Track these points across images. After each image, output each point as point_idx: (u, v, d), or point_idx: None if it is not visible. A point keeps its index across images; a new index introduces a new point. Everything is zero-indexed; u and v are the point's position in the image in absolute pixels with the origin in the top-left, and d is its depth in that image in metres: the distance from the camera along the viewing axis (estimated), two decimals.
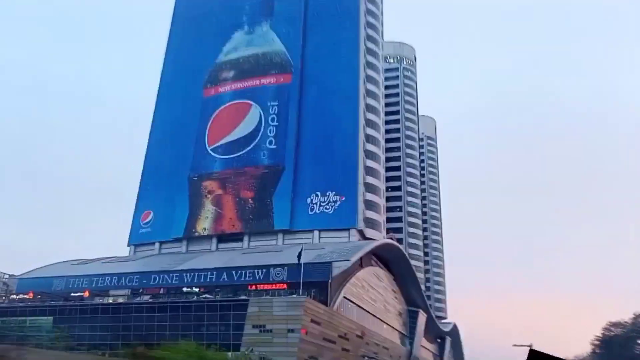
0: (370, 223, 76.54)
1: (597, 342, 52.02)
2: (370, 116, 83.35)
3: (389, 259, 76.66)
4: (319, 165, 76.20)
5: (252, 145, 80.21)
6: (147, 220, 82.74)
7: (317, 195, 74.23)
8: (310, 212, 73.75)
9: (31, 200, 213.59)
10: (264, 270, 54.05)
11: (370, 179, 79.20)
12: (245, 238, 75.41)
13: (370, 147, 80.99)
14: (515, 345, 34.14)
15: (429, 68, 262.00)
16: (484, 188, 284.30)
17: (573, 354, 58.52)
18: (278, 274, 53.06)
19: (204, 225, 77.92)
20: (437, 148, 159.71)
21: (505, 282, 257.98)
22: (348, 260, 53.16)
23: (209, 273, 56.35)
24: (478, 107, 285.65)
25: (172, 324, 47.40)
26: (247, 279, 54.41)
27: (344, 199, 73.09)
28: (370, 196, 78.00)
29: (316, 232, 72.22)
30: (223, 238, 76.81)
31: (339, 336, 51.89)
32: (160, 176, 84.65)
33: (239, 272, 55.28)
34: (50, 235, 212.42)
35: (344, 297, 54.96)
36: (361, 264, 64.20)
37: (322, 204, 73.71)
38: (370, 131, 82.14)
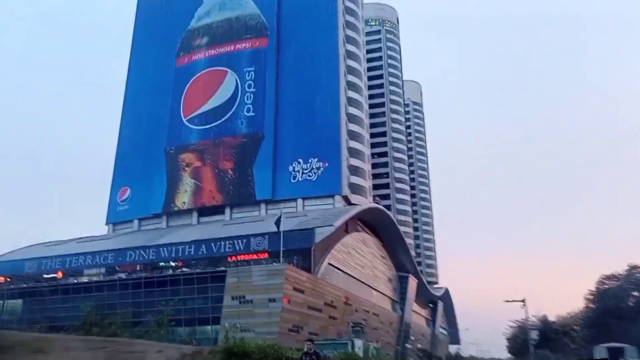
0: (356, 189, 74.15)
1: (590, 297, 50.69)
2: (352, 78, 79.98)
3: (376, 225, 74.59)
4: (300, 131, 73.12)
5: (229, 114, 76.78)
6: (124, 197, 79.59)
7: (299, 163, 71.41)
8: (292, 181, 71.07)
9: (8, 186, 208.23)
10: (244, 241, 51.59)
11: (354, 144, 76.44)
12: (227, 210, 72.75)
13: (352, 110, 77.92)
14: (507, 301, 32.41)
15: (412, 32, 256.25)
16: (474, 154, 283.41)
17: (566, 311, 57.53)
18: (259, 243, 50.62)
19: (184, 199, 75.00)
20: (423, 113, 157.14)
21: (498, 245, 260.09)
22: (332, 225, 50.84)
23: (186, 246, 53.76)
24: (467, 72, 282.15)
25: (147, 300, 44.95)
26: (226, 250, 51.97)
27: (327, 165, 70.37)
28: (354, 161, 75.38)
29: (300, 201, 69.69)
30: (204, 211, 74.06)
31: (326, 304, 49.89)
32: (136, 151, 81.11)
33: (218, 243, 52.79)
34: (29, 222, 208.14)
35: (329, 264, 52.79)
36: (347, 229, 61.98)
37: (305, 171, 70.98)
38: (352, 94, 78.92)
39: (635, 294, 46.01)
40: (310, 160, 71.01)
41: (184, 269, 49.41)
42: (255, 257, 50.29)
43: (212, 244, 52.95)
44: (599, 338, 41.45)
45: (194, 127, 78.09)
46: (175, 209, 74.96)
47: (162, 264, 51.75)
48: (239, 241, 51.80)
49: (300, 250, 49.58)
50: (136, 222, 77.47)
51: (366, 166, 79.12)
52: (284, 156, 72.28)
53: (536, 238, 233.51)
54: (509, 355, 64.24)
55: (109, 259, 55.52)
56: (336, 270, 55.64)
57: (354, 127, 77.09)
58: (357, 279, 62.08)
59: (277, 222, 44.68)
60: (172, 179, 76.59)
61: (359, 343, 35.46)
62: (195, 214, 74.21)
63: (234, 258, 51.03)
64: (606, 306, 46.92)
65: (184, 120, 79.25)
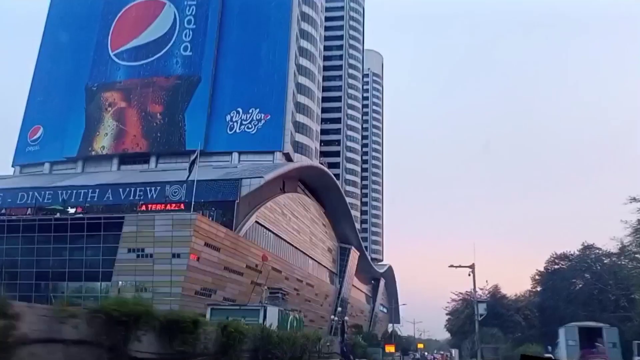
0: (300, 148, 67.34)
1: (538, 277, 46.36)
2: (306, 27, 72.36)
3: (319, 190, 68.34)
4: (242, 77, 65.08)
5: (163, 51, 67.49)
6: (35, 136, 69.12)
7: (238, 113, 63.57)
8: (229, 132, 63.25)
9: None
10: (158, 188, 44.06)
11: (303, 99, 69.30)
12: (153, 159, 64.15)
13: (304, 61, 70.50)
14: (452, 266, 26.93)
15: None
16: (430, 132, 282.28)
17: (515, 293, 52.85)
18: (175, 192, 43.09)
19: (103, 143, 65.60)
20: (382, 86, 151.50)
21: (449, 228, 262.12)
22: (261, 177, 43.92)
23: (90, 191, 45.58)
24: (429, 45, 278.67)
25: (25, 247, 36.59)
26: (136, 198, 44.16)
27: (269, 117, 62.93)
28: (301, 118, 68.37)
29: (235, 154, 62.04)
30: (126, 159, 65.09)
31: (249, 267, 43.20)
32: (54, 86, 70.40)
33: (128, 189, 44.99)
34: None
35: (257, 223, 45.97)
36: (283, 188, 55.31)
37: (244, 122, 63.28)
38: (304, 43, 71.40)
39: (587, 275, 41.94)
40: (250, 111, 63.33)
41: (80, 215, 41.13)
42: (170, 207, 42.77)
43: (120, 190, 45.01)
44: (551, 321, 37.16)
45: (122, 62, 68.34)
46: (93, 153, 65.53)
47: (55, 207, 43.11)
48: (152, 188, 44.20)
49: (223, 202, 42.60)
50: (47, 165, 67.50)
51: (314, 125, 72.33)
52: (221, 104, 64.20)
53: (488, 223, 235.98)
54: (447, 336, 59.72)
55: None
56: (266, 231, 48.93)
57: (303, 80, 69.81)
58: (290, 244, 55.77)
59: (191, 165, 37.18)
60: (91, 119, 66.89)
61: (273, 310, 29.00)
62: (116, 161, 65.12)
63: (144, 207, 43.25)
64: (556, 288, 42.76)
65: (111, 54, 69.24)
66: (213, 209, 42.13)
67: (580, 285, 42.87)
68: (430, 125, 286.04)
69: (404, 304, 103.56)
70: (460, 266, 26.64)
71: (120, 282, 34.53)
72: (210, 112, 63.95)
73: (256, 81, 64.74)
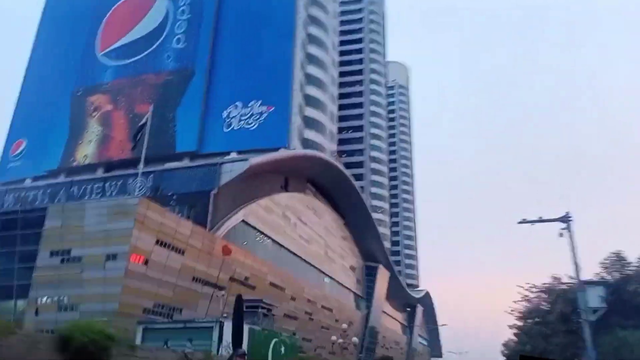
0: (311, 146, 57.37)
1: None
2: (315, 12, 63.99)
3: (334, 194, 57.88)
4: (242, 67, 56.40)
5: (154, 46, 59.98)
6: (18, 151, 62.03)
7: (236, 107, 54.52)
8: (226, 129, 54.06)
9: None
10: (119, 182, 34.93)
11: (313, 90, 59.98)
12: (141, 166, 55.33)
13: (313, 49, 61.60)
14: (523, 221, 15.87)
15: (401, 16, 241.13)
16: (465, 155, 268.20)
17: None
18: (140, 185, 33.73)
19: (86, 151, 57.56)
20: (409, 98, 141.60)
21: (492, 253, 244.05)
22: (245, 159, 34.12)
23: (39, 192, 36.88)
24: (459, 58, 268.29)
25: None
26: (93, 196, 35.07)
27: (272, 109, 53.52)
28: (311, 112, 58.86)
29: (234, 155, 52.52)
30: (112, 167, 56.38)
31: (234, 280, 32.87)
32: (40, 97, 63.66)
33: (84, 187, 36.68)
34: None
35: (245, 223, 35.78)
36: (286, 187, 45.27)
37: (244, 117, 54.07)
38: (313, 30, 62.78)
39: None
40: (251, 104, 54.19)
41: None
42: None
43: (75, 189, 36.06)
44: None
45: (111, 62, 61.21)
46: (75, 163, 57.46)
47: None
48: (112, 183, 34.99)
49: (198, 195, 32.79)
50: (28, 181, 59.79)
51: (328, 122, 62.58)
52: (218, 98, 55.46)
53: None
54: None
55: None
56: (261, 236, 38.63)
57: (313, 69, 60.67)
58: (297, 256, 45.14)
59: (137, 133, 27.83)
60: (75, 127, 59.35)
61: (229, 327, 18.60)
62: (100, 171, 56.58)
63: None
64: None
65: (99, 55, 62.35)
66: (189, 206, 32.37)
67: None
68: (470, 140, 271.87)
69: (444, 324, 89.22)
70: (540, 221, 15.49)
71: (38, 298, 24.70)
72: (205, 109, 55.23)
73: (257, 71, 55.87)
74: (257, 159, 35.61)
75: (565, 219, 15.59)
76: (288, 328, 36.20)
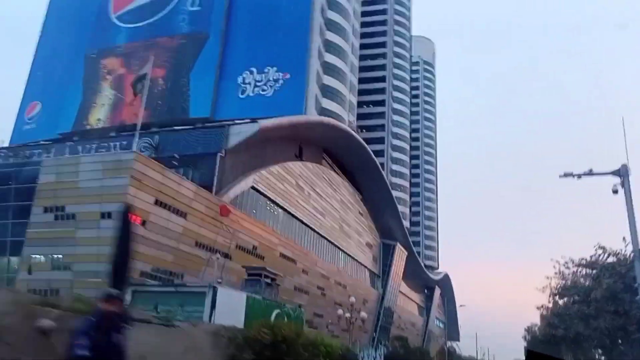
0: (329, 116, 54.79)
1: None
2: None
3: (352, 167, 55.52)
4: (258, 32, 53.94)
5: (168, 9, 57.90)
6: (32, 113, 61.36)
7: (251, 73, 52.33)
8: (241, 95, 52.04)
9: None
10: (124, 142, 33.02)
11: (332, 58, 57.15)
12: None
13: (332, 15, 58.51)
14: (567, 175, 13.23)
15: None
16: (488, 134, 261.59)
17: None
18: (145, 145, 32.02)
19: (99, 115, 56.38)
20: (435, 75, 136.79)
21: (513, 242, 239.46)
22: (255, 121, 31.90)
23: (42, 150, 35.26)
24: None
25: None
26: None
27: (288, 76, 51.15)
28: (330, 80, 56.18)
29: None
30: (124, 131, 55.01)
31: (240, 248, 31.09)
32: (55, 59, 62.47)
33: (87, 146, 34.29)
34: None
35: (254, 189, 33.81)
36: (300, 155, 43.11)
37: (259, 84, 51.90)
38: None
39: None
40: (266, 70, 51.89)
41: None
42: None
43: (80, 148, 34.43)
44: None
45: (124, 25, 59.43)
46: (88, 127, 56.32)
47: None
48: (116, 144, 33.23)
49: (204, 158, 30.86)
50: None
51: (347, 93, 59.80)
52: (233, 63, 53.31)
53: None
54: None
55: None
56: (272, 205, 36.67)
57: (333, 36, 57.72)
58: (311, 228, 43.15)
59: (137, 82, 25.89)
60: (88, 90, 58.12)
61: (232, 295, 16.82)
62: (113, 135, 55.48)
63: None
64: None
65: (113, 17, 60.58)
66: (192, 169, 30.52)
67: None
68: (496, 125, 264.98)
69: (462, 305, 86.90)
70: (589, 174, 12.85)
71: (32, 255, 23.25)
72: (220, 74, 53.20)
73: (274, 36, 53.39)
74: (267, 122, 33.41)
75: (622, 172, 12.98)
76: (299, 302, 34.43)
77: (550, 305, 23.11)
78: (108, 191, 22.65)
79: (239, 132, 31.22)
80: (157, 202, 24.41)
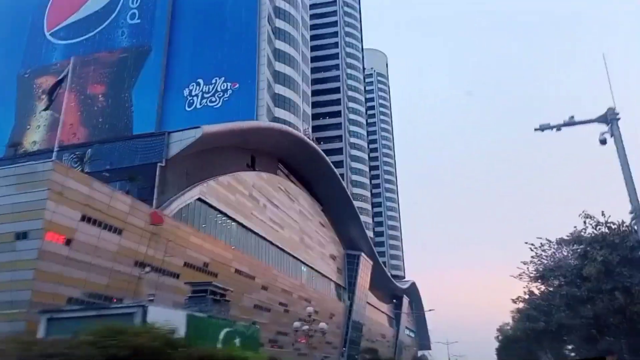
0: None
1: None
2: None
3: (309, 177, 53.64)
4: (203, 42, 51.88)
5: (106, 23, 55.07)
6: None
7: (198, 84, 50.06)
8: (188, 108, 49.62)
9: None
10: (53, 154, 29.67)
11: (282, 67, 55.46)
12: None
13: (281, 24, 57.06)
14: (541, 128, 11.72)
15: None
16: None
17: None
18: (75, 160, 29.03)
19: (35, 137, 52.45)
20: (389, 86, 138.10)
21: (481, 236, 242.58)
22: (198, 127, 29.54)
23: None
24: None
25: None
26: None
27: (237, 86, 49.22)
28: (282, 89, 54.41)
29: None
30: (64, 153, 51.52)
31: (188, 265, 28.39)
32: None
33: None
34: None
35: (202, 201, 31.26)
36: (252, 165, 40.88)
37: (206, 95, 49.65)
38: (281, 3, 58.15)
39: None
40: (214, 81, 49.76)
41: None
42: None
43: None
44: None
45: (59, 41, 56.10)
46: (22, 151, 52.08)
47: None
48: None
49: (143, 169, 28.17)
50: None
51: (300, 102, 58.15)
52: (178, 75, 50.93)
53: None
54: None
55: None
56: (221, 216, 34.12)
57: (282, 45, 56.19)
58: (269, 241, 40.72)
59: (52, 90, 23.17)
60: (22, 111, 54.27)
61: (165, 314, 14.28)
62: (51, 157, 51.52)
63: None
64: None
65: (47, 34, 57.09)
66: (125, 181, 27.72)
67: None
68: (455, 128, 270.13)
69: (431, 309, 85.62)
70: (569, 124, 11.20)
71: None
72: (165, 87, 50.69)
73: (220, 45, 51.47)
74: (212, 127, 31.09)
75: (609, 117, 11.31)
76: (259, 320, 31.83)
77: (527, 296, 21.30)
78: (23, 208, 19.75)
79: (181, 140, 28.78)
80: (85, 218, 21.62)
